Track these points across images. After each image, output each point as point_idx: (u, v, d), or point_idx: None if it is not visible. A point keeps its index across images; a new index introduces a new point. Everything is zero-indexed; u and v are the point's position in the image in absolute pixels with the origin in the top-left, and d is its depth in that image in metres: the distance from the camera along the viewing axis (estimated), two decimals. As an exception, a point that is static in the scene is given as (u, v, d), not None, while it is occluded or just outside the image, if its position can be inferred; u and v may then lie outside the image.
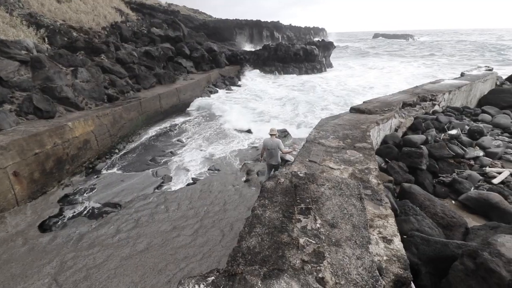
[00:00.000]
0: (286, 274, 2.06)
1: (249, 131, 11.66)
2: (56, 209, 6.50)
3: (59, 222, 6.05)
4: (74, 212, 6.43)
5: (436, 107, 8.97)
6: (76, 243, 5.34)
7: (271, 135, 6.16)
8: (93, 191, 7.27)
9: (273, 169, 6.44)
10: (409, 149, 5.81)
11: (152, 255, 4.90)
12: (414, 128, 7.31)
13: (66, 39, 13.92)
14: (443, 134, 6.90)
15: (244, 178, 7.62)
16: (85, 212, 6.42)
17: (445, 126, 7.40)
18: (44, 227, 5.90)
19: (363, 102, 8.37)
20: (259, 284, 1.97)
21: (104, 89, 11.37)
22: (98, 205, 6.67)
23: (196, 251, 4.93)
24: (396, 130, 7.17)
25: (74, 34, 14.94)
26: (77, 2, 19.14)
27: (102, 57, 13.65)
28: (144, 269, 4.60)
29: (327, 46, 30.69)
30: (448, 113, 8.70)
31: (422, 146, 6.07)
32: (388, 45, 66.47)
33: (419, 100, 8.80)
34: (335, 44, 34.29)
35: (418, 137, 6.40)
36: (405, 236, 3.31)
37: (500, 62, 33.23)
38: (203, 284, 2.00)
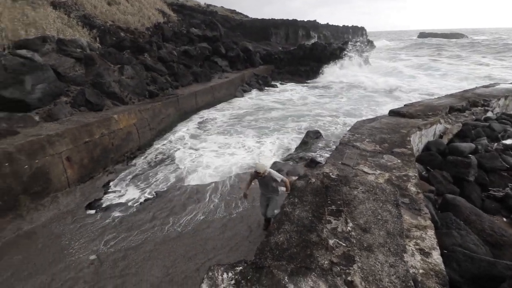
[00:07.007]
0: (313, 273, 2.04)
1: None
2: (101, 193, 7.12)
3: (103, 205, 6.62)
4: (116, 197, 6.98)
5: (489, 114, 8.13)
6: (117, 225, 5.81)
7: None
8: (133, 179, 7.82)
9: None
10: (455, 158, 5.36)
11: (183, 243, 5.14)
12: (462, 135, 6.71)
13: (114, 38, 15.09)
14: (496, 144, 6.24)
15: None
16: (125, 198, 6.94)
17: (499, 135, 6.68)
18: (90, 208, 6.51)
19: (404, 105, 7.89)
20: (286, 279, 1.98)
21: (146, 86, 12.13)
22: (137, 192, 7.17)
23: (224, 244, 5.07)
24: (441, 136, 6.65)
25: (122, 34, 16.12)
26: (125, 4, 20.62)
27: (146, 56, 14.57)
28: (175, 255, 4.86)
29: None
30: (503, 120, 7.83)
31: (470, 155, 5.56)
32: (441, 45, 57.86)
33: (469, 105, 8.05)
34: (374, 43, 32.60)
35: (466, 146, 5.87)
36: (445, 251, 3.07)
37: None
38: (231, 272, 2.06)
